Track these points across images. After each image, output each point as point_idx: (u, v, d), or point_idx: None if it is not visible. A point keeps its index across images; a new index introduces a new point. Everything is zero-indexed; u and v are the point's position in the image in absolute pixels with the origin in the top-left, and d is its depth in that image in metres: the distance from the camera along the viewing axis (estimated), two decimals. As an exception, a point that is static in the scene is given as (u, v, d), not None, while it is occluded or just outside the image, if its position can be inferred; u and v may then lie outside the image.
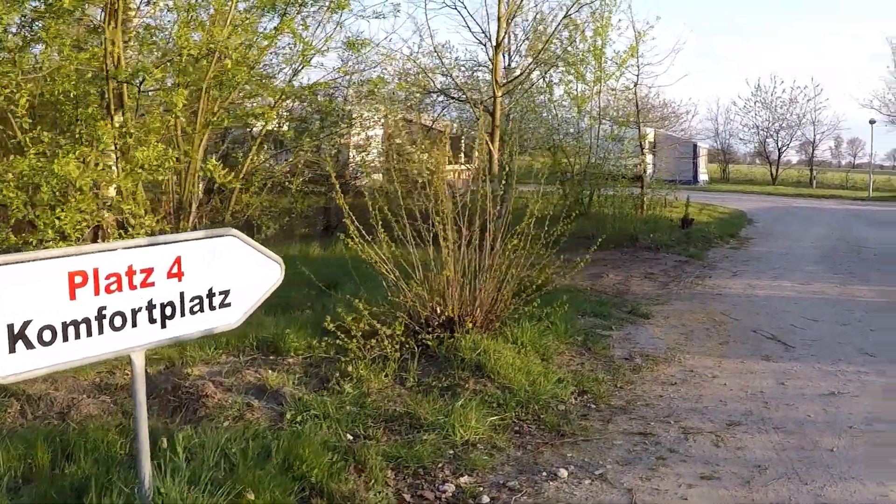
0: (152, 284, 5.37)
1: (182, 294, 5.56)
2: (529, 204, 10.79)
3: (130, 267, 5.23)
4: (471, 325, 9.75)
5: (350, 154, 22.93)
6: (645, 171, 28.05)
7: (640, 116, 27.84)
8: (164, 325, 5.49)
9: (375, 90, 18.79)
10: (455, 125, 23.37)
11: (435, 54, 19.43)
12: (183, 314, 5.58)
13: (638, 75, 27.11)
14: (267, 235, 17.49)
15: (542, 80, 23.58)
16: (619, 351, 10.88)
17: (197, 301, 5.66)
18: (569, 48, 23.58)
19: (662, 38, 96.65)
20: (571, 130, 25.69)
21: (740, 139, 77.58)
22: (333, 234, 13.07)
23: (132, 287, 5.26)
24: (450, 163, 22.71)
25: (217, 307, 5.81)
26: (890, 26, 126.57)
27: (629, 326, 12.30)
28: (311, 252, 17.43)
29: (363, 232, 9.72)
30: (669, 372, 10.00)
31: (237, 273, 5.92)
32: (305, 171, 19.12)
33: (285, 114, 21.47)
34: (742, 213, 34.21)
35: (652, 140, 54.96)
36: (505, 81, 17.37)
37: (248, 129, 17.98)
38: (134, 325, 5.31)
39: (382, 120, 21.40)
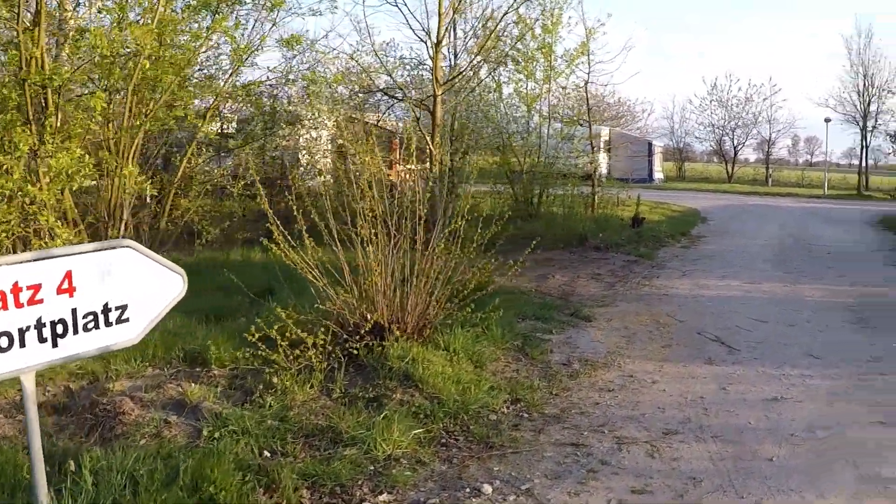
0: (41, 301, 4.98)
1: (74, 311, 5.18)
2: (480, 204, 10.41)
3: (16, 284, 4.84)
4: (399, 332, 9.34)
5: (298, 155, 22.53)
6: (596, 170, 27.63)
7: (593, 115, 27.47)
8: (55, 345, 5.10)
9: (314, 87, 18.41)
10: (402, 125, 22.95)
11: (375, 53, 19.04)
12: (76, 332, 5.20)
13: (589, 73, 26.78)
14: (207, 240, 17.06)
15: (490, 78, 23.22)
16: (558, 356, 10.49)
17: (91, 317, 5.28)
18: (518, 45, 23.26)
19: (614, 36, 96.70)
20: (520, 129, 25.34)
21: (696, 137, 77.68)
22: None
23: (18, 305, 4.88)
24: (397, 164, 22.48)
25: (114, 323, 5.43)
26: (846, 25, 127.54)
27: (570, 330, 11.92)
28: (252, 257, 16.96)
29: (288, 237, 9.32)
30: (608, 378, 9.62)
31: (135, 286, 5.53)
32: (248, 175, 18.64)
33: (231, 115, 21.10)
34: (696, 212, 33.99)
35: (607, 139, 55.00)
36: (447, 79, 16.92)
37: (194, 133, 17.47)
38: (22, 345, 4.93)
39: (329, 121, 21.02)
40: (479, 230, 10.33)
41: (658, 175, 60.08)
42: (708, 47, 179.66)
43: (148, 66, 12.59)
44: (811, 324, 12.73)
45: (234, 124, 22.04)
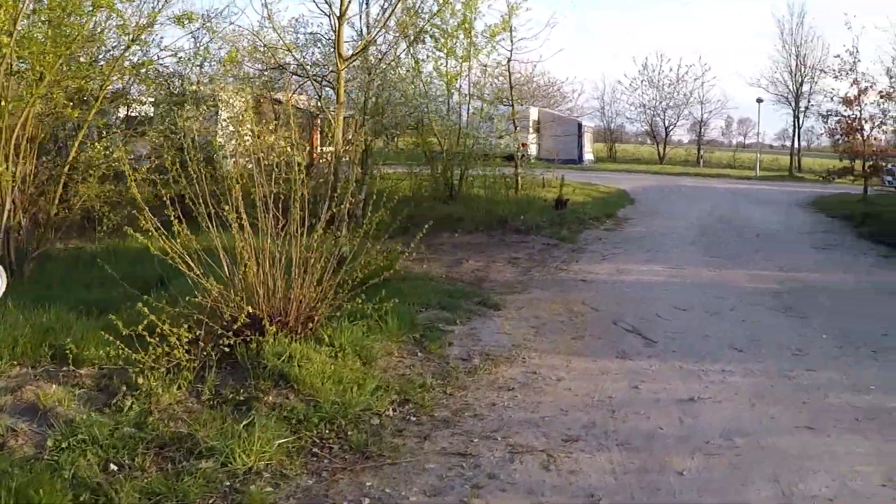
0: None
1: None
2: (397, 185, 9.49)
3: None
4: (278, 326, 8.35)
5: (209, 137, 21.42)
6: (519, 151, 26.71)
7: (521, 95, 26.64)
8: None
9: (220, 66, 17.41)
10: (313, 103, 21.84)
11: (274, 29, 17.91)
12: None
13: (512, 50, 25.86)
14: (108, 228, 15.98)
15: (406, 54, 22.17)
16: (458, 349, 9.61)
17: None
18: (437, 21, 22.30)
19: (539, 12, 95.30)
20: (439, 108, 24.27)
21: (627, 118, 76.84)
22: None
23: None
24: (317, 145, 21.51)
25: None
26: (772, 3, 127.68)
27: (476, 320, 11.02)
28: (153, 245, 15.88)
29: (158, 224, 8.31)
30: (509, 374, 8.74)
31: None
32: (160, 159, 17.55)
33: (141, 98, 19.99)
34: (624, 193, 33.21)
35: (536, 119, 54.28)
36: (350, 54, 15.90)
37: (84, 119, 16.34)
38: None
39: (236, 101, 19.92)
40: (388, 212, 9.40)
41: (588, 156, 59.21)
42: (634, 26, 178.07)
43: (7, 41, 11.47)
44: (735, 312, 11.98)
45: (148, 108, 20.90)
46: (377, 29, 16.21)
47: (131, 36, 14.99)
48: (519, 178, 25.94)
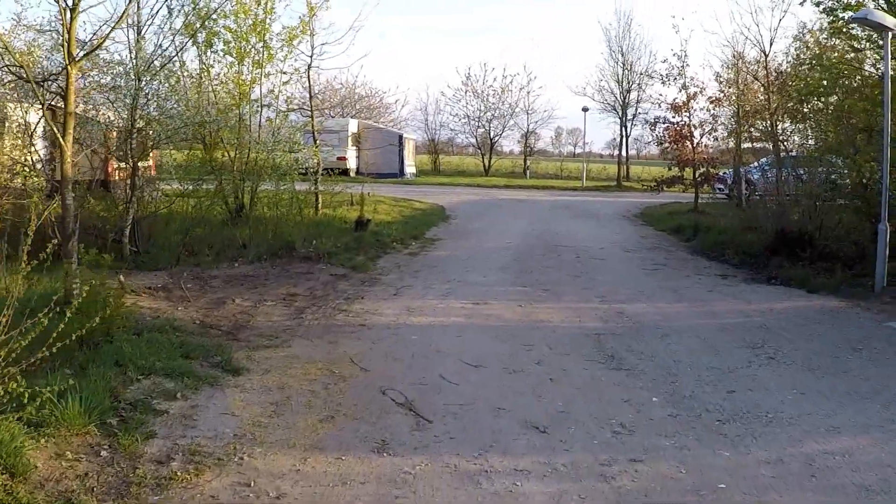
0: None
1: None
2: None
3: None
4: None
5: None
6: (320, 165, 23.94)
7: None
8: None
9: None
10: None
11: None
12: None
13: (312, 56, 23.25)
14: None
15: (179, 57, 19.11)
16: (160, 444, 6.82)
17: None
18: (230, 22, 19.59)
19: (342, 16, 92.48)
20: (227, 118, 21.18)
21: (451, 129, 73.95)
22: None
23: None
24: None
25: None
26: (601, 11, 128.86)
27: (204, 392, 8.24)
28: None
29: None
30: (212, 488, 6.03)
31: None
32: None
33: None
34: (440, 209, 30.94)
35: (356, 131, 52.03)
36: (82, 54, 12.97)
37: None
38: None
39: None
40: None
41: (410, 169, 56.73)
42: (460, 31, 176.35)
43: None
44: (543, 367, 9.59)
45: None
46: (113, 25, 13.31)
47: None
48: (319, 197, 23.28)
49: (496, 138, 71.64)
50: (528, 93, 68.87)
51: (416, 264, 17.35)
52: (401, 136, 54.81)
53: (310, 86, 23.76)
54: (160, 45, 16.67)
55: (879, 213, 14.71)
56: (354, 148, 52.30)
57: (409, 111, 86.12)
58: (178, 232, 16.89)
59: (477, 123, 70.57)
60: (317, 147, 23.34)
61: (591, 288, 14.85)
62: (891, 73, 14.66)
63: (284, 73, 22.18)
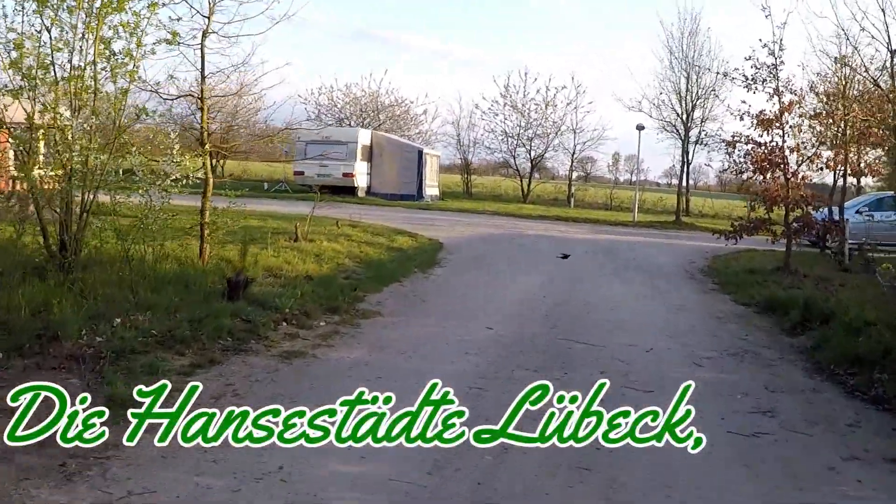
0: None
1: None
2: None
3: None
4: None
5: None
6: (210, 181, 14.68)
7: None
8: None
9: None
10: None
11: None
12: None
13: (210, 16, 14.37)
14: None
15: None
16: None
17: None
18: None
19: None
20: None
21: (486, 147, 64.43)
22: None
23: None
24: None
25: None
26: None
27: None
28: None
29: None
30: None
31: None
32: None
33: None
34: (434, 248, 22.26)
35: (368, 144, 43.92)
36: None
37: None
38: None
39: None
40: None
41: (431, 191, 47.29)
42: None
43: None
44: None
45: None
46: None
47: None
48: (204, 228, 14.34)
49: (538, 159, 62.40)
50: (576, 108, 59.84)
51: (267, 390, 8.34)
52: (420, 152, 45.71)
53: (202, 62, 14.58)
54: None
55: None
56: (365, 163, 43.99)
57: (440, 124, 74.87)
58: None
59: (516, 141, 61.41)
60: (204, 154, 14.31)
61: (612, 483, 6.20)
62: None
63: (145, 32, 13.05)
